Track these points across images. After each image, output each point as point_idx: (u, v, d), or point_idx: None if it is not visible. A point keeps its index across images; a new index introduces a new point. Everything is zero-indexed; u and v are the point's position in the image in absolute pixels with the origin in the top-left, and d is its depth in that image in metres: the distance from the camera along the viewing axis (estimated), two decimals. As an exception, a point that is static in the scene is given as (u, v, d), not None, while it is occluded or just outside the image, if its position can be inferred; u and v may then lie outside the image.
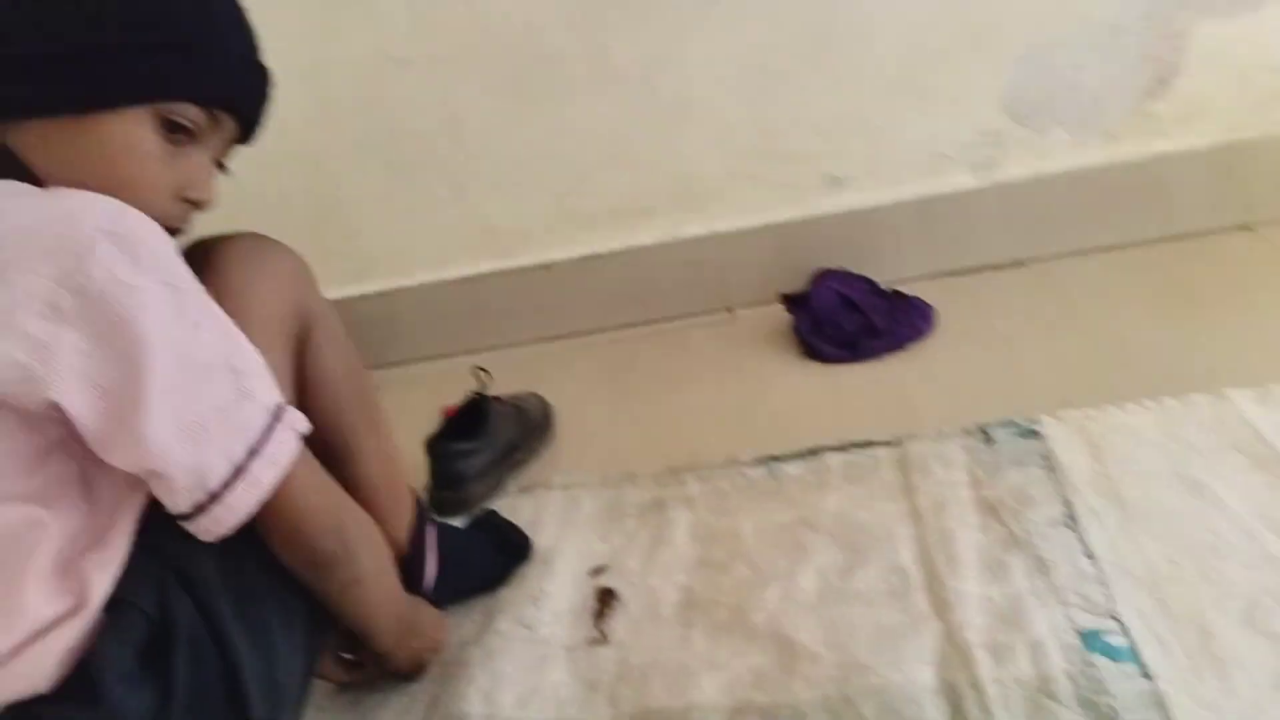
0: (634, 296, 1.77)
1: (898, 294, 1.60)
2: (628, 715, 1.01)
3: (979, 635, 0.99)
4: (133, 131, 0.79)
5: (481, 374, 1.45)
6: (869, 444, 1.32)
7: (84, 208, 0.73)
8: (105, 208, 0.73)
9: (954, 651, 0.98)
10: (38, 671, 0.73)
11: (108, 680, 0.74)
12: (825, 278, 1.63)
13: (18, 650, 0.72)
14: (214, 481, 0.76)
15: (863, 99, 1.63)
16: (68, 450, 0.74)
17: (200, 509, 0.77)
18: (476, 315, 1.80)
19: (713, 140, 1.67)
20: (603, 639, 1.12)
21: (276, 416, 0.81)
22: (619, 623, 1.14)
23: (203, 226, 0.91)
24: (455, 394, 1.47)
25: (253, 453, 0.78)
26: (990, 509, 1.16)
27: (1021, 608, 1.01)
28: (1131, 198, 1.62)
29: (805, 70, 1.61)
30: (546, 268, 1.76)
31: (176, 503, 0.77)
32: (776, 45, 1.59)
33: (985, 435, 1.28)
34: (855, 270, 1.65)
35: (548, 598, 1.18)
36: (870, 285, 1.62)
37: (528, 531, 1.29)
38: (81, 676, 0.74)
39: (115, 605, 0.77)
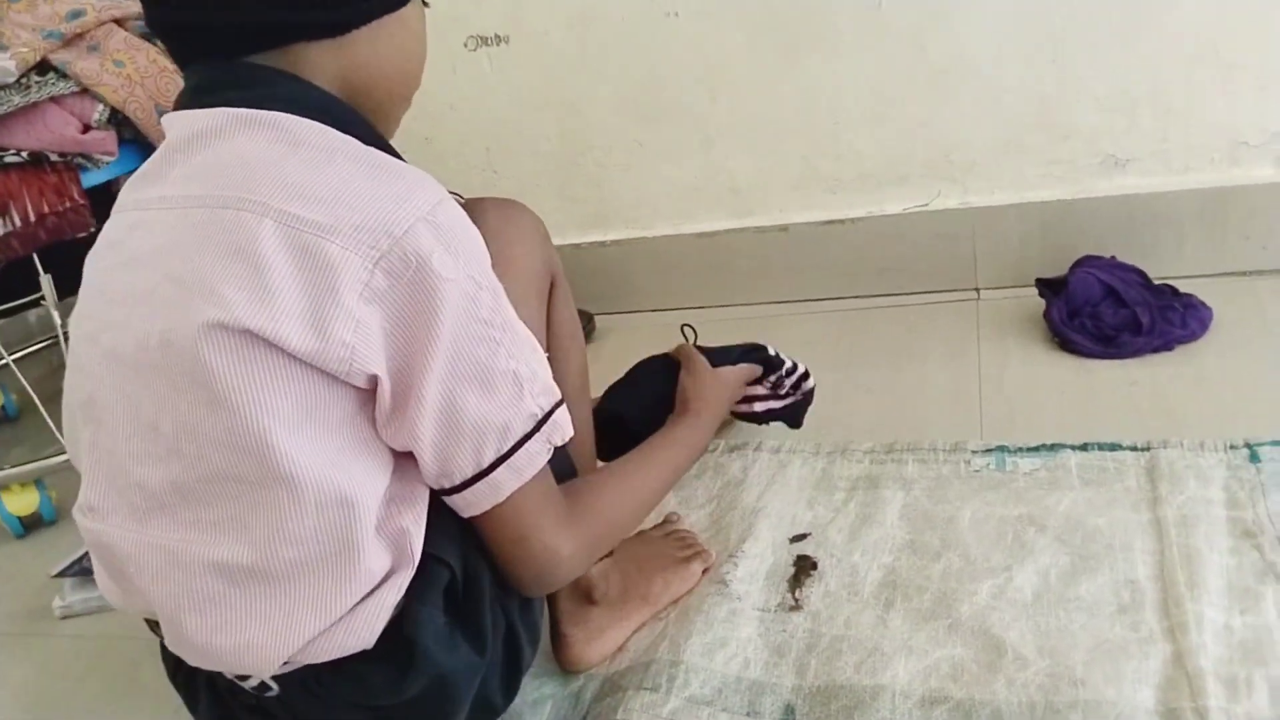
0: (874, 267, 1.70)
1: (1171, 290, 1.45)
2: (813, 686, 0.98)
3: (1214, 664, 0.89)
4: (414, 13, 0.83)
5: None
6: (1115, 447, 1.20)
7: (407, 191, 0.73)
8: (426, 195, 0.73)
9: (1182, 677, 0.88)
10: (368, 628, 0.76)
11: (425, 642, 0.78)
12: (1088, 264, 1.49)
13: (355, 607, 0.75)
14: (458, 477, 0.78)
15: (1158, 75, 1.48)
16: (372, 408, 0.75)
17: (442, 491, 0.80)
18: (709, 271, 1.78)
19: (982, 107, 1.57)
20: (796, 606, 1.08)
21: (538, 425, 0.80)
22: (815, 593, 1.10)
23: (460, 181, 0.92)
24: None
25: (501, 458, 0.78)
26: (1246, 533, 1.03)
27: (1268, 642, 0.90)
28: None
29: (1096, 37, 1.47)
30: (784, 229, 1.72)
31: (425, 477, 0.79)
32: (1066, 8, 1.46)
33: (1252, 452, 1.14)
34: (1128, 261, 1.51)
35: (745, 557, 1.16)
36: (1141, 277, 1.47)
37: (734, 489, 1.28)
38: (397, 637, 0.77)
39: (421, 560, 0.78)
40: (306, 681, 0.78)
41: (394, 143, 0.86)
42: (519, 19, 1.70)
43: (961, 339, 1.54)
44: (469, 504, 0.80)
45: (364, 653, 0.77)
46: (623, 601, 1.10)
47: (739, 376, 1.23)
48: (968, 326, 1.57)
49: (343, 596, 0.75)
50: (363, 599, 0.76)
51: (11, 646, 1.33)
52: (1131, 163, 1.54)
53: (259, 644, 0.74)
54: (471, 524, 0.82)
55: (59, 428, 1.50)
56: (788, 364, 1.29)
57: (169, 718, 1.11)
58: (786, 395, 1.31)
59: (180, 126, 0.78)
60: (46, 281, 1.48)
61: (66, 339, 1.47)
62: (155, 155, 0.80)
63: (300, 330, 0.69)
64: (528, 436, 0.79)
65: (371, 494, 0.75)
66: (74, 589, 1.34)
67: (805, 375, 1.31)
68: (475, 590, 0.82)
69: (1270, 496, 1.07)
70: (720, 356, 1.24)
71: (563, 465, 0.88)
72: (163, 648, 0.90)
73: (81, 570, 1.35)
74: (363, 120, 0.80)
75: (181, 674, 0.88)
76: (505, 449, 0.78)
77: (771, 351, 1.28)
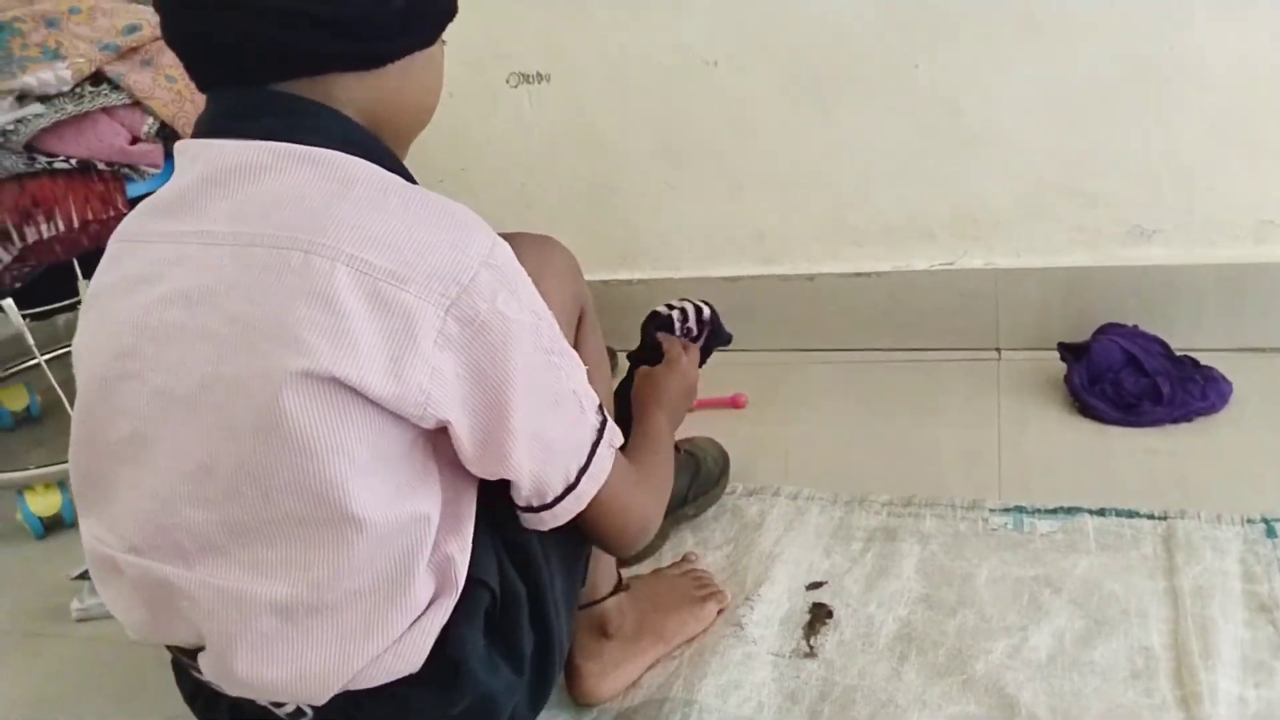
0: (896, 321, 1.72)
1: (1192, 362, 1.46)
2: (824, 734, 0.99)
3: (1229, 737, 0.90)
4: (438, 51, 0.85)
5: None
6: (1133, 514, 1.22)
7: (465, 235, 0.74)
8: (482, 238, 0.74)
9: (1196, 748, 0.89)
10: (416, 652, 0.78)
11: (470, 664, 0.80)
12: (1110, 332, 1.52)
13: (404, 634, 0.77)
14: (550, 496, 0.82)
15: (1186, 148, 1.50)
16: (425, 441, 0.77)
17: (532, 510, 0.83)
18: (732, 315, 1.76)
19: (1011, 171, 1.60)
20: (811, 653, 1.09)
21: (600, 434, 0.85)
22: (829, 641, 1.11)
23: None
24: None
25: (582, 470, 0.83)
26: (1262, 607, 1.05)
27: (1283, 718, 0.91)
28: None
29: (1127, 109, 1.50)
30: (809, 278, 1.75)
31: (516, 500, 0.83)
32: (1098, 78, 1.50)
33: (1269, 528, 1.15)
34: (1149, 331, 1.53)
35: (761, 601, 1.17)
36: (1163, 347, 1.49)
37: (751, 532, 1.30)
38: (440, 659, 0.79)
39: (465, 583, 0.80)
40: (345, 707, 0.78)
41: (428, 174, 0.87)
42: (561, 59, 1.74)
43: (981, 398, 1.55)
44: (556, 516, 0.83)
45: (407, 676, 0.78)
46: (637, 638, 1.11)
47: (665, 363, 1.19)
48: (988, 386, 1.58)
49: (393, 624, 0.76)
50: (411, 625, 0.77)
51: (26, 646, 1.34)
52: (1157, 234, 1.56)
53: (313, 675, 0.75)
54: (539, 536, 0.86)
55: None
56: (676, 314, 1.26)
57: (180, 726, 1.11)
58: (700, 335, 1.28)
59: (213, 158, 0.76)
60: (84, 287, 1.50)
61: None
62: (183, 185, 0.77)
63: (382, 378, 0.70)
64: (595, 445, 0.84)
65: (428, 525, 0.77)
66: (92, 592, 1.35)
67: (699, 309, 1.28)
68: (513, 611, 0.84)
69: (1287, 572, 1.08)
70: (652, 354, 1.22)
71: None
72: (176, 671, 0.91)
73: (100, 574, 1.36)
74: (390, 153, 0.81)
75: (201, 699, 0.89)
76: (584, 461, 0.83)
77: (663, 310, 1.27)
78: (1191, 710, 0.93)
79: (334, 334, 0.69)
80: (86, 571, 1.37)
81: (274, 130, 0.75)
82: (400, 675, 0.78)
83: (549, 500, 0.82)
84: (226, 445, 0.72)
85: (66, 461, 1.53)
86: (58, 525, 1.57)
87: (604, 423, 0.86)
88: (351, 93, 0.78)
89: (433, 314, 0.71)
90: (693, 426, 1.59)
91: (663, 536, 1.33)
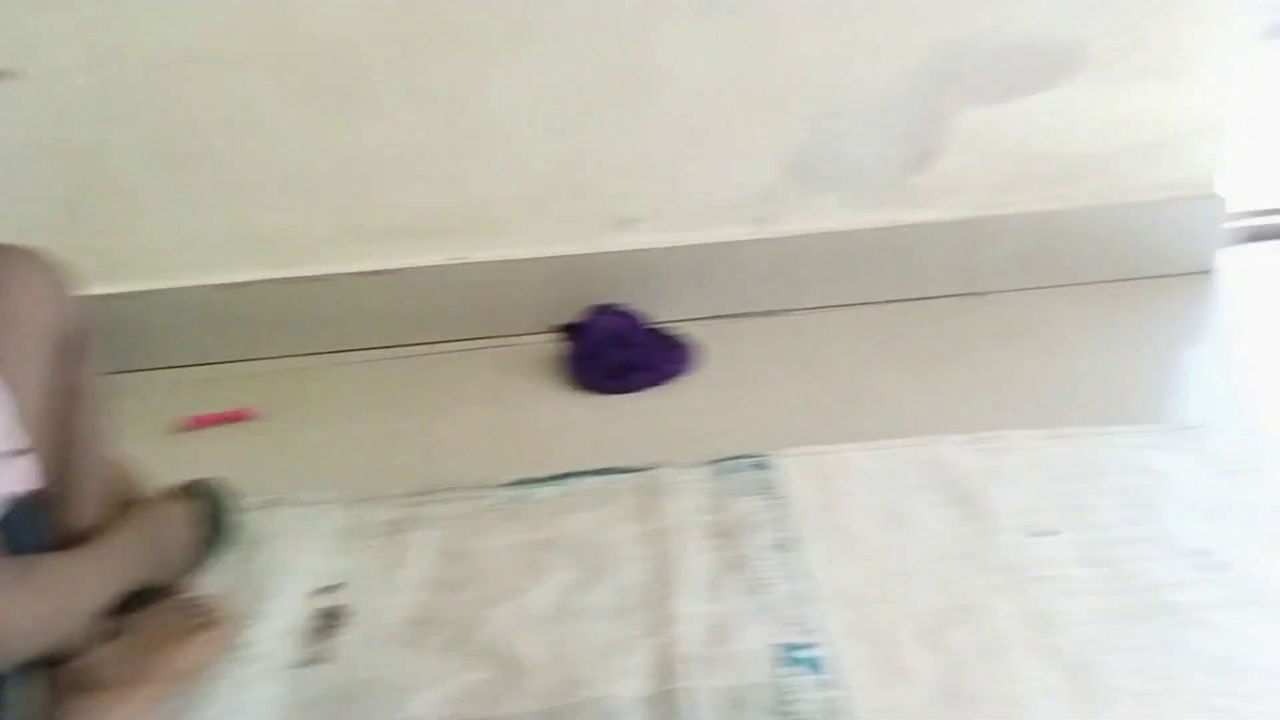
0: (409, 317, 1.75)
1: (668, 332, 1.65)
2: (343, 733, 0.99)
3: (691, 649, 1.03)
4: None
5: None
6: (620, 470, 1.35)
7: None
8: None
9: (665, 665, 1.02)
10: None
11: None
12: (600, 312, 1.67)
13: None
14: None
15: (655, 147, 1.68)
16: None
17: None
18: (239, 324, 1.73)
19: (511, 169, 1.68)
20: (324, 658, 1.09)
21: None
22: (343, 642, 1.11)
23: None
24: (202, 404, 1.40)
25: None
26: (721, 534, 1.21)
27: (733, 624, 1.07)
28: (885, 260, 1.75)
29: (605, 112, 1.64)
30: (318, 280, 1.72)
31: None
32: (580, 85, 1.62)
33: (723, 467, 1.33)
34: (634, 308, 1.70)
35: (267, 617, 1.14)
36: (644, 322, 1.67)
37: (260, 547, 1.26)
38: None
39: None
40: None
41: None
42: (35, 54, 1.55)
43: (494, 383, 1.63)
44: None
45: None
46: (124, 682, 1.03)
47: None
48: (498, 371, 1.67)
49: None
50: None
51: None
52: (638, 221, 1.74)
53: None
54: None
55: None
56: None
57: None
58: None
59: None
60: None
61: None
62: None
63: None
64: None
65: None
66: None
67: None
68: None
69: (738, 501, 1.27)
70: None
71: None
72: None
73: None
74: None
75: None
76: None
77: None
78: (661, 633, 1.06)
79: None
80: None
81: None
82: None
83: None
84: None
85: None
86: None
87: None
88: None
89: None
90: (203, 445, 1.51)
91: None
